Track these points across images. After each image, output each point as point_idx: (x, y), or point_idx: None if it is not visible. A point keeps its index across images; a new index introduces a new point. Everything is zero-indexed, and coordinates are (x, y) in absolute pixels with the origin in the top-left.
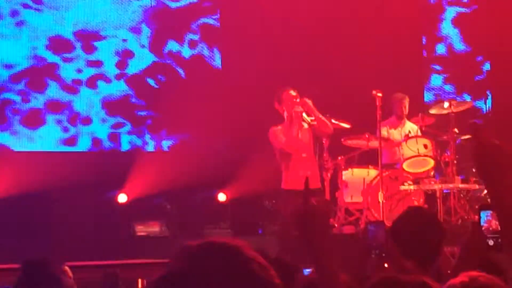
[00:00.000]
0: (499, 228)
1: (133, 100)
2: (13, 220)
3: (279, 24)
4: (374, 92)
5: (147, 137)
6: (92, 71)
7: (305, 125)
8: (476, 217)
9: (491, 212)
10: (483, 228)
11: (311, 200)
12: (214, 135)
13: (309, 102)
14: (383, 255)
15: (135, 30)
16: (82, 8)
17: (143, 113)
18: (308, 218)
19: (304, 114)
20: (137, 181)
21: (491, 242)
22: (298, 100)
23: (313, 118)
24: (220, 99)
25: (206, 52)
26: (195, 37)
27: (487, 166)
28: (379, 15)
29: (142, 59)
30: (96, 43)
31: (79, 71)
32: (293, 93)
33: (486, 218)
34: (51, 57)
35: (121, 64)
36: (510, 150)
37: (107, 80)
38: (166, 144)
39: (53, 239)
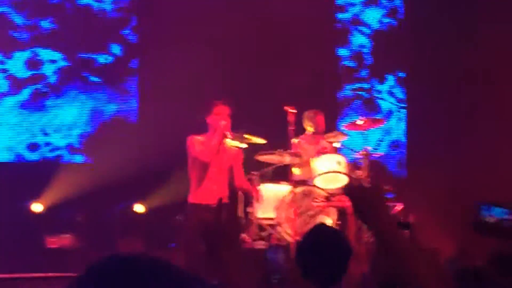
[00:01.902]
0: None
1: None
2: None
3: (195, 39)
4: (286, 107)
5: (65, 147)
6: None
7: (228, 143)
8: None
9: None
10: None
11: (221, 216)
12: (135, 144)
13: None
14: (283, 279)
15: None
16: None
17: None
18: (216, 234)
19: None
20: (52, 193)
21: None
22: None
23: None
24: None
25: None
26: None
27: (363, 209)
28: (294, 31)
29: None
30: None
31: None
32: (223, 107)
33: None
34: None
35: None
36: (377, 191)
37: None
38: (83, 156)
39: None
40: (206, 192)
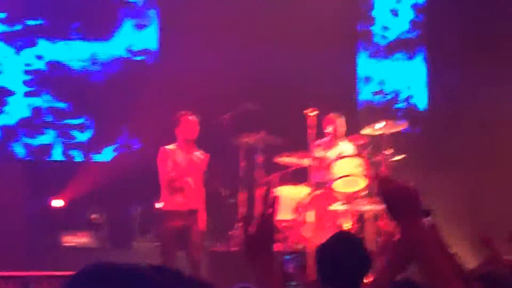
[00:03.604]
0: None
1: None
2: None
3: (217, 36)
4: (306, 111)
5: (83, 147)
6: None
7: (197, 154)
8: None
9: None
10: None
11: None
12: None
13: None
14: (298, 286)
15: None
16: None
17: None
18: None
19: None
20: (71, 190)
21: None
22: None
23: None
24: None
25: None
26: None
27: (396, 209)
28: (315, 33)
29: None
30: None
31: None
32: (191, 119)
33: None
34: None
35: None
36: (410, 189)
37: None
38: (106, 154)
39: None
40: (176, 200)
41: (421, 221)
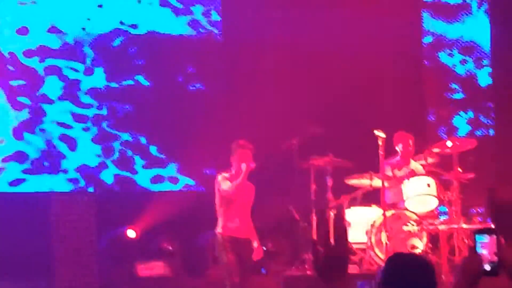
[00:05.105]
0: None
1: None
2: (12, 261)
3: (283, 62)
4: (376, 132)
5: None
6: None
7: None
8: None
9: (487, 236)
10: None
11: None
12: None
13: None
14: None
15: None
16: None
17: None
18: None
19: None
20: (144, 220)
21: (487, 267)
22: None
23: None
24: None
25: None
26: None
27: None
28: (381, 54)
29: None
30: None
31: None
32: (246, 151)
33: (482, 243)
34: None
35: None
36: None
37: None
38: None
39: (55, 278)
40: (234, 225)
41: None
